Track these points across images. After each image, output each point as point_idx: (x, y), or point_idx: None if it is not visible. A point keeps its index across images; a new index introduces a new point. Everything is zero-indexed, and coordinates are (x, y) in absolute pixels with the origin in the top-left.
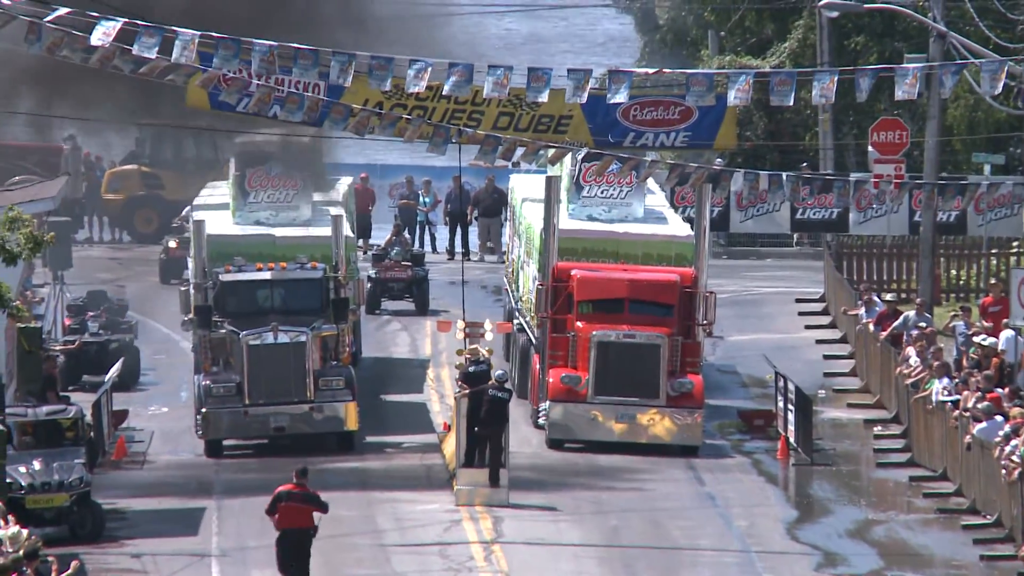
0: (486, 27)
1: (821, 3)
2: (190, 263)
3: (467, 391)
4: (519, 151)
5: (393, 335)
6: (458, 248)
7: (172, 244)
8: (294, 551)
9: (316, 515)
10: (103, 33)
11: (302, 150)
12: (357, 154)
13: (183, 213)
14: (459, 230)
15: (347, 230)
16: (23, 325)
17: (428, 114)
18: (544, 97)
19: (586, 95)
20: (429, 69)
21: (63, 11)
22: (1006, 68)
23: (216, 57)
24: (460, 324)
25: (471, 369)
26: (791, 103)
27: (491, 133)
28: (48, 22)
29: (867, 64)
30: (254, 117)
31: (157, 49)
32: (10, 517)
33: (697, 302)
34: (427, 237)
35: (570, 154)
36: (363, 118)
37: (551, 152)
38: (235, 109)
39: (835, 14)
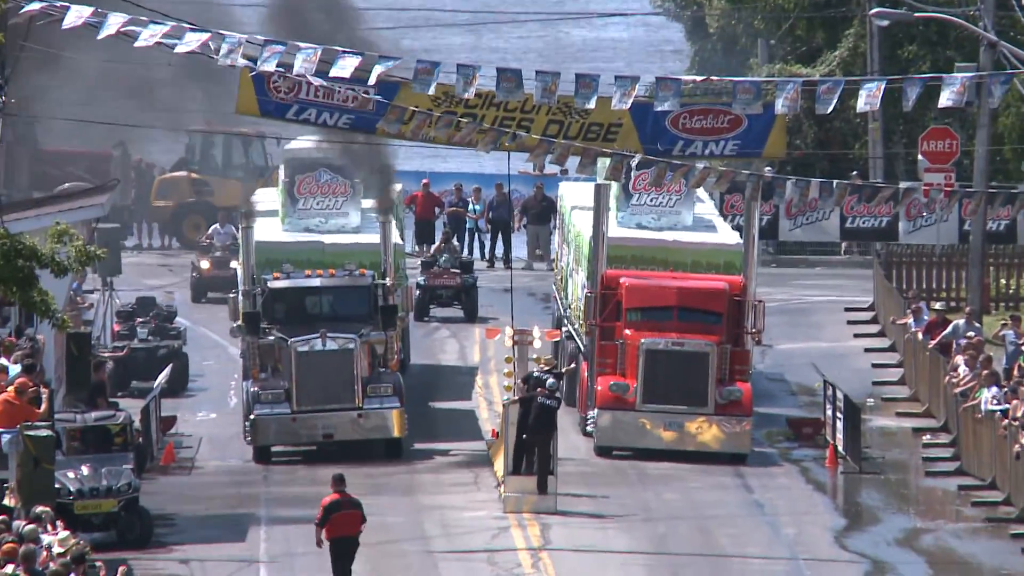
0: (544, 35)
1: (872, 12)
2: (239, 270)
3: (516, 399)
4: (574, 160)
5: (442, 342)
6: (500, 255)
7: (205, 265)
8: (347, 557)
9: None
10: (149, 35)
11: (360, 155)
12: (404, 162)
13: (209, 231)
14: (501, 237)
15: (396, 237)
16: (73, 331)
17: (478, 120)
18: (592, 104)
19: (631, 101)
20: (477, 75)
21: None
22: None
23: (259, 59)
24: (509, 331)
25: (535, 373)
26: (828, 111)
27: (544, 137)
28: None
29: (919, 73)
30: (303, 124)
31: (199, 44)
32: (59, 523)
33: (746, 310)
34: (476, 244)
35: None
36: (420, 121)
37: (608, 165)
38: (285, 116)
39: (886, 23)
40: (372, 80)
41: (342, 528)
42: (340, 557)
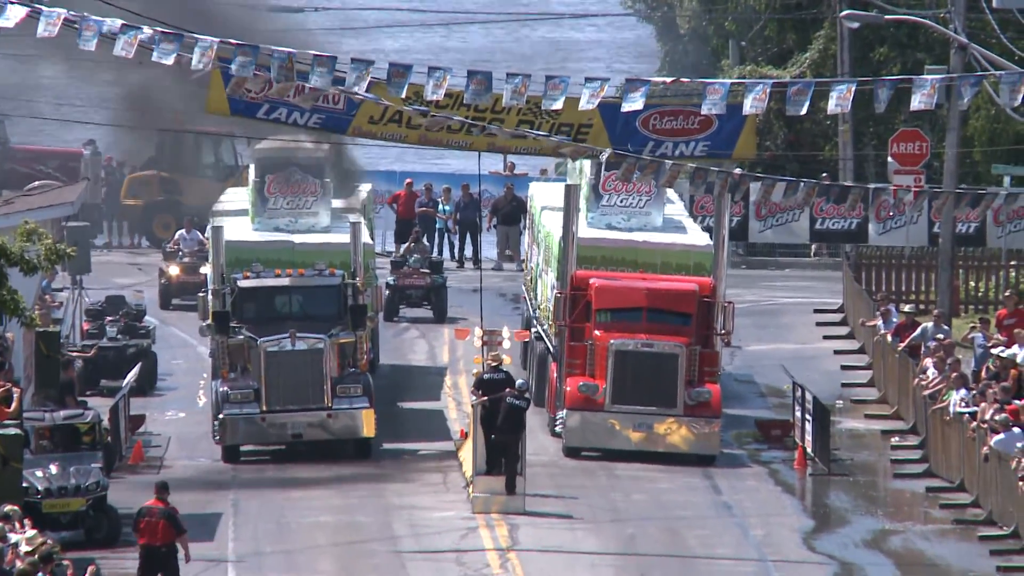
0: (514, 36)
1: (842, 14)
2: (209, 269)
3: (485, 398)
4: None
5: (411, 342)
6: (469, 255)
7: (174, 271)
8: (155, 568)
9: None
10: (126, 43)
11: (327, 155)
12: (376, 161)
13: (175, 236)
14: (469, 238)
15: (366, 237)
16: (42, 329)
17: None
18: (560, 104)
19: (598, 101)
20: (448, 77)
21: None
22: None
23: (234, 63)
24: (478, 332)
25: (486, 376)
26: (802, 112)
27: (513, 131)
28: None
29: (889, 75)
30: (273, 123)
31: (176, 56)
32: (27, 521)
33: (715, 311)
34: (446, 245)
35: (590, 162)
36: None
37: (571, 148)
38: (256, 116)
39: (856, 25)
40: (358, 88)
41: (146, 535)
42: (145, 565)
